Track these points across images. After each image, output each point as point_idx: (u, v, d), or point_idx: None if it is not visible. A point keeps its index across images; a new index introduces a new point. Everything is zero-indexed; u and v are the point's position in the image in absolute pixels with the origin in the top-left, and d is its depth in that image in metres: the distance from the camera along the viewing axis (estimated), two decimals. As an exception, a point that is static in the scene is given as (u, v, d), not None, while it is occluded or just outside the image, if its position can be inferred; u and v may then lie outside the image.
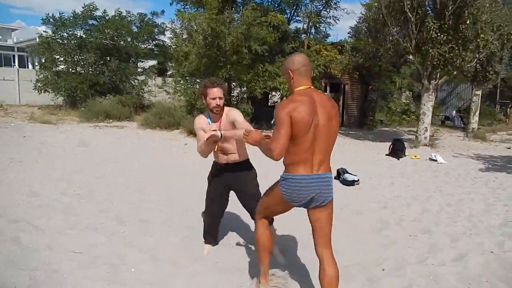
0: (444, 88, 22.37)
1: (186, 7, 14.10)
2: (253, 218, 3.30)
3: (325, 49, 15.28)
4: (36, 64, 19.99)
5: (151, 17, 18.81)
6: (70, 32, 16.13)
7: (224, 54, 12.02)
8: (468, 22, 10.62)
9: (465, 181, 7.19)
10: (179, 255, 3.48)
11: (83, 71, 15.99)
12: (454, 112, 20.83)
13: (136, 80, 17.21)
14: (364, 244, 3.96)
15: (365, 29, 15.82)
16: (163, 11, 29.48)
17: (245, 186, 3.34)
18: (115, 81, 16.19)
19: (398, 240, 4.07)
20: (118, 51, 16.90)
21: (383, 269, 3.37)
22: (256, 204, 2.90)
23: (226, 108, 3.21)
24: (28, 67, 25.28)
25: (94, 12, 16.53)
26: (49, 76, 15.43)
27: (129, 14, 18.05)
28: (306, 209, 2.53)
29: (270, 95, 17.28)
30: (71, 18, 16.12)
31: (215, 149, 3.25)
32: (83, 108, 14.28)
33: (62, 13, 16.17)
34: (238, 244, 3.80)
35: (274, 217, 3.19)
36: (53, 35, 15.90)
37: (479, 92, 15.86)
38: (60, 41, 15.88)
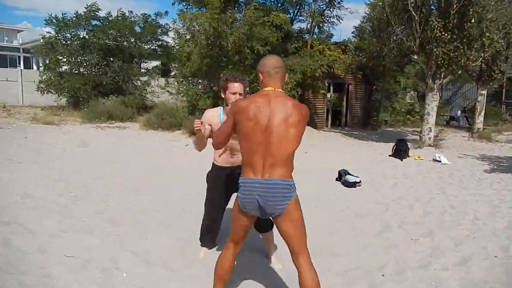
0: (449, 87, 22.20)
1: (188, 7, 14.08)
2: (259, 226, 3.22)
3: (329, 48, 15.19)
4: (41, 65, 20.06)
5: (154, 18, 18.80)
6: (73, 33, 16.14)
7: (226, 54, 11.96)
8: (473, 20, 10.48)
9: (470, 183, 7.05)
10: (174, 258, 3.40)
11: (86, 72, 15.98)
12: (459, 112, 20.64)
13: (139, 81, 17.19)
14: (365, 247, 3.86)
15: (369, 29, 15.73)
16: (166, 12, 29.53)
17: None
18: (118, 81, 16.17)
19: (400, 244, 3.97)
20: (122, 51, 16.89)
21: (382, 275, 3.27)
22: None
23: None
24: (33, 68, 25.40)
25: (97, 13, 16.53)
26: (52, 77, 15.44)
27: (132, 15, 18.04)
28: None
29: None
30: (74, 18, 16.13)
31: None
32: (85, 109, 14.28)
33: (65, 13, 16.18)
34: None
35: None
36: (56, 35, 15.91)
37: (484, 92, 15.67)
38: (64, 42, 15.89)
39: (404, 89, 20.39)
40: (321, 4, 15.34)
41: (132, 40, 17.62)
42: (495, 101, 20.36)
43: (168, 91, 14.43)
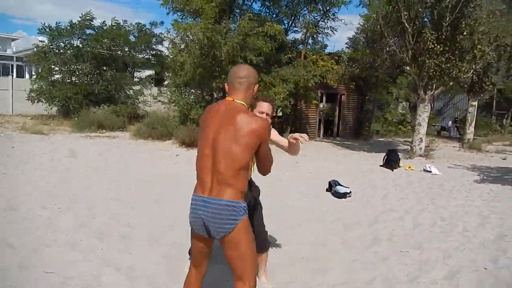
0: (441, 98, 22.39)
1: (183, 17, 14.10)
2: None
3: (322, 59, 15.25)
4: (33, 73, 19.92)
5: (149, 27, 18.82)
6: (66, 42, 16.09)
7: (219, 64, 11.96)
8: (465, 33, 10.60)
9: (460, 193, 7.05)
10: (159, 274, 3.32)
11: (78, 81, 15.89)
12: (450, 122, 20.81)
13: (131, 90, 17.12)
14: (354, 261, 3.81)
15: (363, 40, 15.85)
16: (162, 22, 29.64)
17: (256, 200, 3.15)
18: (110, 90, 16.09)
19: (389, 257, 3.93)
20: (115, 60, 16.84)
21: (370, 289, 3.22)
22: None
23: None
24: (25, 77, 25.25)
25: (91, 22, 16.51)
26: (43, 86, 15.33)
27: (126, 24, 18.05)
28: None
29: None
30: (68, 27, 16.10)
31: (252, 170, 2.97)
32: (76, 118, 14.15)
33: (59, 22, 16.14)
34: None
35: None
36: (50, 44, 15.84)
37: (475, 103, 15.82)
38: (57, 51, 15.82)
39: (396, 99, 20.54)
40: (315, 15, 15.43)
41: (126, 49, 17.59)
42: (485, 112, 20.58)
43: (160, 101, 14.38)
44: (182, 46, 13.11)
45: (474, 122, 15.86)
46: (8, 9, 72.08)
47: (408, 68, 11.93)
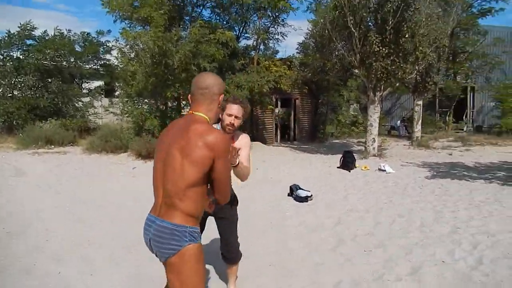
0: (389, 98, 23.43)
1: (131, 25, 13.73)
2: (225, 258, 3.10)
3: (274, 64, 15.46)
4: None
5: (96, 36, 18.18)
6: (5, 53, 15.16)
7: (172, 72, 11.75)
8: (407, 35, 11.17)
9: (414, 190, 7.37)
10: (123, 295, 3.17)
11: (21, 95, 15.00)
12: (399, 122, 21.86)
13: (80, 102, 16.42)
14: (320, 264, 3.85)
15: (312, 45, 16.23)
16: (109, 30, 28.78)
17: (229, 211, 3.02)
18: (57, 103, 15.34)
19: (354, 257, 4.01)
20: (60, 72, 16.12)
21: (340, 291, 3.26)
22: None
23: (243, 134, 2.97)
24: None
25: (32, 32, 15.68)
26: (-18, 101, 14.33)
27: (70, 33, 17.34)
28: None
29: (222, 113, 17.11)
30: (6, 38, 15.18)
31: None
32: (21, 134, 13.32)
33: (-5, 33, 15.21)
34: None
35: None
36: (-14, 57, 14.88)
37: (420, 102, 16.70)
38: (-6, 64, 14.89)
39: (348, 101, 21.22)
40: (265, 21, 15.66)
41: (72, 60, 16.87)
42: (429, 110, 21.78)
43: (112, 112, 13.89)
44: (132, 55, 12.77)
45: (420, 121, 16.73)
46: None
47: (357, 71, 12.35)
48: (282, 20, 15.63)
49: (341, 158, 10.27)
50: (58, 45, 15.90)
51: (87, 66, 18.37)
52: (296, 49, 18.21)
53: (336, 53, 13.18)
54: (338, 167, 10.08)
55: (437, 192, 7.15)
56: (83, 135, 14.19)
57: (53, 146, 12.58)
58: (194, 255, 1.86)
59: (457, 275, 3.50)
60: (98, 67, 19.03)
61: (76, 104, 16.31)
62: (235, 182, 2.44)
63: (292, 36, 17.41)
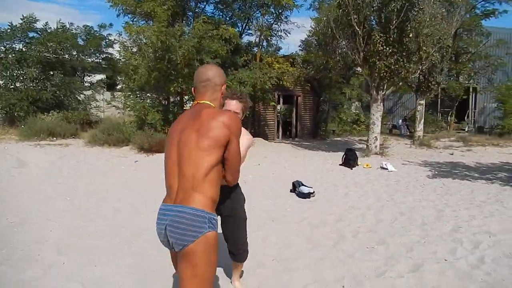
0: (390, 97, 23.43)
1: (134, 19, 13.72)
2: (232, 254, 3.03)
3: (277, 61, 15.46)
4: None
5: (98, 30, 18.15)
6: (7, 45, 15.13)
7: (175, 67, 11.75)
8: (411, 35, 11.15)
9: (415, 189, 7.39)
10: (127, 287, 3.18)
11: (23, 87, 14.98)
12: (401, 121, 21.87)
13: (82, 95, 16.41)
14: (322, 260, 3.86)
15: (315, 42, 16.24)
16: (111, 24, 28.75)
17: (235, 209, 2.92)
18: (59, 96, 15.31)
19: (356, 254, 4.02)
20: (62, 65, 16.07)
21: (343, 286, 3.28)
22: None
23: (243, 130, 2.93)
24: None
25: (34, 24, 15.65)
26: (-17, 93, 14.32)
27: (73, 27, 17.30)
28: None
29: (224, 108, 17.13)
30: (9, 30, 15.15)
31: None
32: (23, 126, 13.32)
33: (-3, 25, 15.20)
34: None
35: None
36: (-12, 49, 14.85)
37: (423, 102, 16.69)
38: (-3, 55, 14.86)
39: (350, 99, 21.23)
40: (268, 18, 15.63)
41: (74, 53, 16.85)
42: (431, 109, 21.79)
43: (114, 106, 13.89)
44: (135, 49, 12.77)
45: (422, 120, 16.73)
46: None
47: (360, 69, 12.36)
48: (285, 17, 15.64)
49: (343, 155, 10.28)
50: (60, 38, 15.87)
51: (89, 59, 18.34)
52: (299, 46, 18.23)
53: (339, 51, 13.18)
54: (340, 165, 10.09)
55: (438, 191, 7.16)
56: (85, 128, 14.19)
57: (55, 138, 12.58)
58: (212, 245, 1.84)
59: (458, 274, 3.51)
60: (100, 60, 19.01)
61: (78, 97, 16.29)
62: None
63: (295, 33, 17.49)
